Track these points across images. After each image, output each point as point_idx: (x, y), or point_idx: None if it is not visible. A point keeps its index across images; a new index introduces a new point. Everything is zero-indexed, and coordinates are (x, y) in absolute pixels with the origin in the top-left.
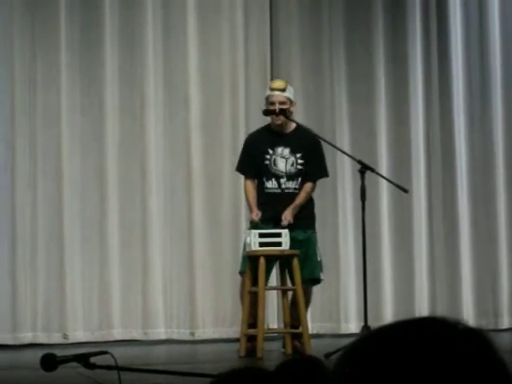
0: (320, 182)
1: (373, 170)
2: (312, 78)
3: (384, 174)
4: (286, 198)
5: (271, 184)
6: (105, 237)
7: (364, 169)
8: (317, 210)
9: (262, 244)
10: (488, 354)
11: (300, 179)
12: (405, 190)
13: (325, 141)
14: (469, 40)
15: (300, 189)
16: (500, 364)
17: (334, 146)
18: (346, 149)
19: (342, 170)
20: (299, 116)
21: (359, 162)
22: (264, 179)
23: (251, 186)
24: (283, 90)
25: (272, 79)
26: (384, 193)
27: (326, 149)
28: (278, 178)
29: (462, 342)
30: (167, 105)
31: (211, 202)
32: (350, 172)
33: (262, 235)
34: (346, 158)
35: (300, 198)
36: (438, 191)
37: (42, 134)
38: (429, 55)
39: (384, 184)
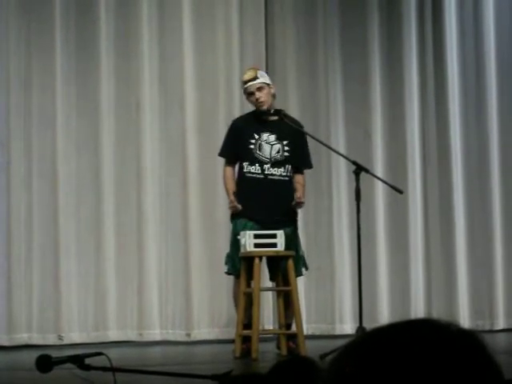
0: (315, 183)
1: (367, 171)
2: (307, 78)
3: (379, 175)
4: (269, 184)
5: (254, 169)
6: (100, 238)
7: (359, 170)
8: (312, 211)
9: (256, 245)
10: (480, 355)
11: (288, 167)
12: (400, 191)
13: (318, 141)
14: (464, 40)
15: (287, 176)
16: (492, 365)
17: (329, 147)
18: (341, 149)
19: (337, 171)
20: (294, 116)
21: (354, 162)
22: (246, 164)
23: (232, 173)
24: (254, 79)
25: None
26: (379, 194)
27: (321, 149)
28: (261, 163)
29: (454, 343)
30: (162, 106)
31: (207, 202)
32: (345, 173)
33: (256, 236)
34: (340, 158)
35: (301, 188)
36: (433, 192)
37: (37, 136)
38: (424, 55)
39: (379, 185)
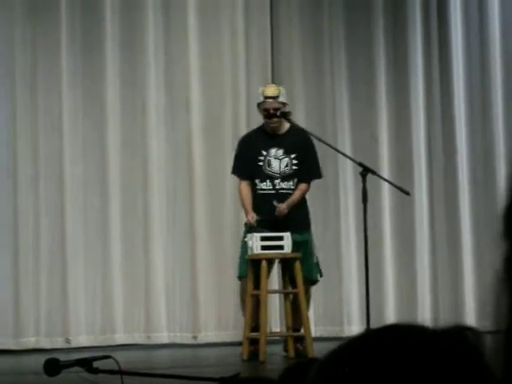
0: (322, 185)
1: (374, 173)
2: (313, 80)
3: (385, 177)
4: (281, 198)
5: (265, 185)
6: (107, 241)
7: (365, 171)
8: (319, 213)
9: (264, 247)
10: (469, 356)
11: (296, 180)
12: (406, 193)
13: (325, 143)
14: (469, 41)
15: (295, 189)
16: (479, 365)
17: (336, 149)
18: (348, 151)
19: (344, 173)
20: (300, 119)
21: (360, 164)
22: (257, 180)
23: (247, 188)
24: (277, 97)
25: (265, 85)
26: (386, 195)
27: (328, 151)
28: (272, 178)
29: (437, 343)
30: (168, 108)
31: (213, 205)
32: (352, 174)
33: (263, 238)
34: (347, 160)
35: (295, 195)
36: (439, 193)
37: (44, 138)
38: (429, 57)
39: (386, 186)
